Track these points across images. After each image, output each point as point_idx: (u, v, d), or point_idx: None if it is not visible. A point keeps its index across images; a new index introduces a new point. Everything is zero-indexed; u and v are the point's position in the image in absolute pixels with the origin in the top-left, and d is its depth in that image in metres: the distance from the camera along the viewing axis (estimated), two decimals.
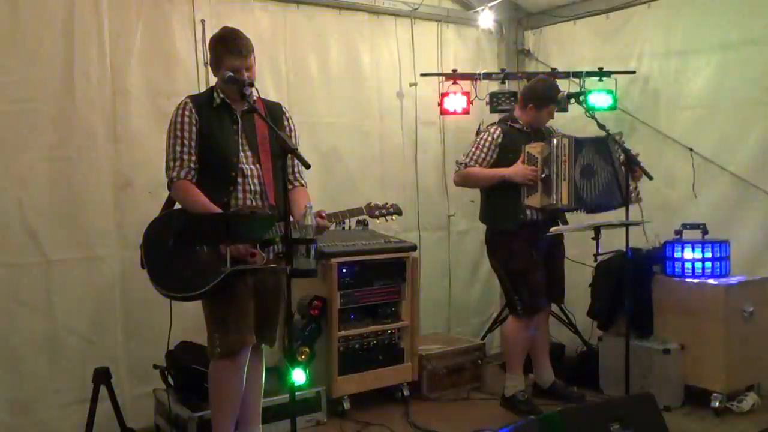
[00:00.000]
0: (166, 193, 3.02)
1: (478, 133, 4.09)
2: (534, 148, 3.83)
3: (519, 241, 3.85)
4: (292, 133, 3.17)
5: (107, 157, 3.67)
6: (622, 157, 3.76)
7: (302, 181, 3.17)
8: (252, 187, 2.97)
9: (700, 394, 3.94)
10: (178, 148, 2.92)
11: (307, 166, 2.63)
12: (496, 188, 3.89)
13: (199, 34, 3.93)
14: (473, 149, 3.92)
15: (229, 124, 3.01)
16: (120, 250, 3.70)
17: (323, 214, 2.92)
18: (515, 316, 3.97)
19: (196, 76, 3.91)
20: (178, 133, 2.93)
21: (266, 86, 4.08)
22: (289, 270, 2.56)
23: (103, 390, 3.16)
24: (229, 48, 2.93)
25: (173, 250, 2.77)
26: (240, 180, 2.95)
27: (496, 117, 4.32)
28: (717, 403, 3.84)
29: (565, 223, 4.00)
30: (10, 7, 3.41)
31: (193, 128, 2.94)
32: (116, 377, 3.33)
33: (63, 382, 3.53)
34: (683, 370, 3.98)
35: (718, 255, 4.03)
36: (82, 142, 3.60)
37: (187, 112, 2.95)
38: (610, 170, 3.86)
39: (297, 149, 2.63)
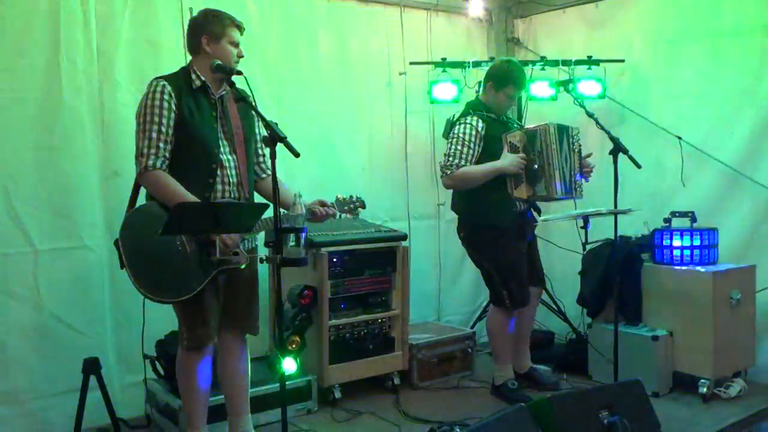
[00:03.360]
0: None
1: (452, 125, 3.88)
2: (514, 137, 3.76)
3: (508, 235, 3.78)
4: (260, 123, 3.11)
5: (94, 146, 3.64)
6: (577, 149, 3.77)
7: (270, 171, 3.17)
8: (230, 179, 2.91)
9: (688, 380, 3.97)
10: (154, 135, 2.77)
11: (297, 155, 2.61)
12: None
13: (187, 21, 3.88)
14: (458, 146, 3.73)
15: (208, 110, 2.91)
16: (108, 239, 3.66)
17: (327, 204, 3.02)
18: (502, 308, 3.92)
19: (184, 64, 3.87)
20: (156, 118, 2.77)
21: (255, 74, 4.03)
22: (279, 259, 2.56)
23: (93, 380, 3.16)
24: (234, 22, 2.91)
25: (157, 254, 2.70)
26: (219, 171, 2.88)
27: None
28: (705, 389, 3.87)
29: (538, 211, 3.96)
30: None
31: (172, 114, 2.80)
32: (106, 367, 3.33)
33: (52, 372, 3.51)
34: (671, 357, 4.02)
35: (707, 243, 4.06)
36: (68, 131, 3.57)
37: (165, 96, 2.79)
38: (569, 160, 3.78)
39: (286, 137, 2.61)
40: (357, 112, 4.73)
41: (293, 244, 2.64)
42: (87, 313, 3.64)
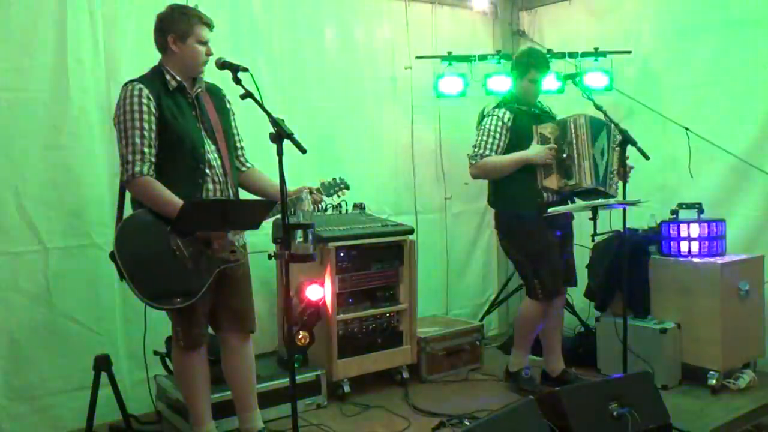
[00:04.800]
0: None
1: (482, 117, 3.93)
2: (546, 129, 3.75)
3: (536, 223, 3.73)
4: (234, 116, 3.12)
5: (103, 144, 3.65)
6: (617, 149, 3.74)
7: (251, 164, 3.18)
8: (218, 178, 2.90)
9: (697, 372, 3.96)
10: (138, 140, 2.72)
11: (304, 151, 2.61)
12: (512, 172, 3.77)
13: None
14: (484, 137, 3.77)
15: (188, 110, 2.89)
16: None
17: (313, 191, 3.02)
18: (536, 301, 3.87)
19: None
20: (137, 123, 2.72)
21: (260, 70, 4.05)
22: (287, 255, 2.57)
23: (104, 377, 3.18)
24: (202, 19, 2.87)
25: (155, 262, 2.69)
26: (208, 171, 2.86)
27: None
28: (714, 381, 3.87)
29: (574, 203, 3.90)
30: None
31: (152, 118, 2.75)
32: (116, 364, 3.34)
33: (64, 369, 3.54)
34: (680, 349, 4.01)
35: (714, 234, 4.04)
36: (77, 130, 3.58)
37: (144, 100, 2.74)
38: (605, 155, 3.75)
39: (293, 133, 2.61)
40: (362, 107, 4.73)
41: (301, 239, 2.64)
42: (97, 311, 3.66)
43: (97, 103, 3.63)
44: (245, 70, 2.79)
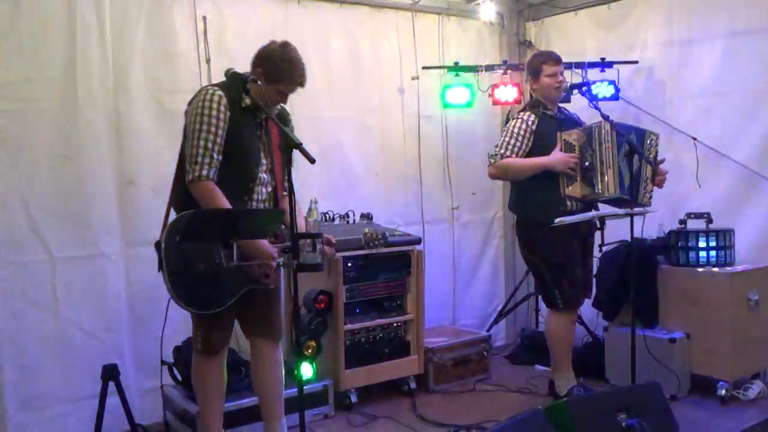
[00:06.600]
0: (168, 190, 2.97)
1: (508, 119, 3.92)
2: (570, 135, 3.72)
3: (559, 232, 3.63)
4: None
5: (110, 155, 3.68)
6: (653, 155, 3.72)
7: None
8: (262, 196, 2.96)
9: (706, 382, 3.95)
10: (210, 145, 2.77)
11: (312, 161, 2.62)
12: (533, 178, 3.75)
13: (201, 30, 3.93)
14: (507, 138, 3.77)
15: (255, 130, 2.95)
16: (124, 247, 3.71)
17: (333, 241, 2.95)
18: (555, 310, 3.85)
19: (198, 73, 3.91)
20: (212, 128, 2.78)
21: None
22: (296, 264, 2.57)
23: (111, 386, 3.18)
24: (295, 80, 2.88)
25: (196, 263, 2.70)
26: (256, 189, 2.93)
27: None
28: (723, 392, 3.85)
29: (597, 210, 3.86)
30: (12, 6, 3.40)
31: (226, 126, 2.81)
32: (124, 373, 3.35)
33: (71, 378, 3.54)
34: (689, 359, 3.99)
35: (723, 244, 4.03)
36: (85, 140, 3.60)
37: (222, 108, 2.80)
38: (638, 164, 3.70)
39: (302, 143, 2.62)
40: (369, 117, 4.74)
41: (309, 249, 2.65)
42: (104, 320, 3.67)
43: (105, 114, 3.66)
44: (254, 81, 2.81)
